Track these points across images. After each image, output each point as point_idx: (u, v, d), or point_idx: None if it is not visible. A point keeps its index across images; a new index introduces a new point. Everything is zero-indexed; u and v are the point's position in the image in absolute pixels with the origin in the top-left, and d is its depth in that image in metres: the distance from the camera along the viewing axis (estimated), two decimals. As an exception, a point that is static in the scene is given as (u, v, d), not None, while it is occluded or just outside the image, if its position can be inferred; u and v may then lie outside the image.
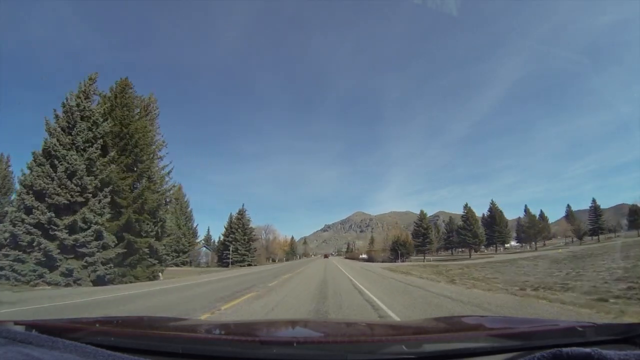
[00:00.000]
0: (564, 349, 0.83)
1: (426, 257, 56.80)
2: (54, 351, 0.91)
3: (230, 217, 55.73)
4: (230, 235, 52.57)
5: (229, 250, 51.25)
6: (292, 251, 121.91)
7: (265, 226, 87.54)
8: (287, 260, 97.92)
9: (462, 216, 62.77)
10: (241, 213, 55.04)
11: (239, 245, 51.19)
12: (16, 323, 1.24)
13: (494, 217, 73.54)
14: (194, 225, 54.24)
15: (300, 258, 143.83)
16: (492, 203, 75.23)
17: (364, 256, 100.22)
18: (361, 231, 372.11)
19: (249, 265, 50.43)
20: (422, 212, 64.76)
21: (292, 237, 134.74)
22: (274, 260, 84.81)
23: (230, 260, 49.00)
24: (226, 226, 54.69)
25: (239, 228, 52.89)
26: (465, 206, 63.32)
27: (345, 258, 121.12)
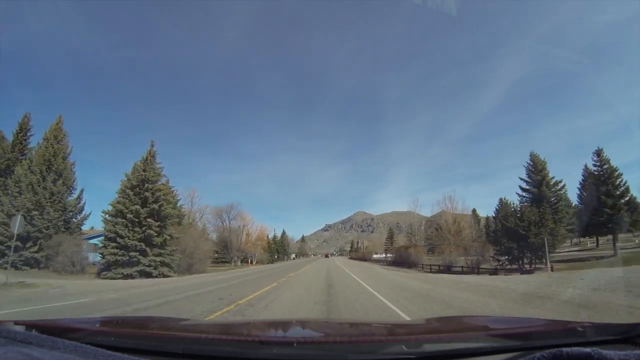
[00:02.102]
0: (564, 349, 0.82)
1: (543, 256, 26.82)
2: (54, 351, 0.90)
3: (133, 170, 25.26)
4: (119, 204, 22.80)
5: (115, 241, 21.73)
6: (282, 249, 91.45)
7: (228, 206, 55.76)
8: (272, 262, 67.69)
9: (594, 172, 31.89)
10: (147, 160, 24.83)
11: (126, 230, 21.43)
12: (16, 323, 1.20)
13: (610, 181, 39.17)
14: (75, 193, 25.09)
15: (296, 258, 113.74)
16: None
17: (379, 256, 72.48)
18: (362, 231, 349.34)
19: (148, 276, 20.81)
20: (533, 155, 32.16)
21: (283, 232, 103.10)
22: (246, 262, 54.56)
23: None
24: (119, 191, 24.67)
25: (134, 188, 23.11)
26: (599, 153, 30.56)
27: (351, 258, 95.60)
